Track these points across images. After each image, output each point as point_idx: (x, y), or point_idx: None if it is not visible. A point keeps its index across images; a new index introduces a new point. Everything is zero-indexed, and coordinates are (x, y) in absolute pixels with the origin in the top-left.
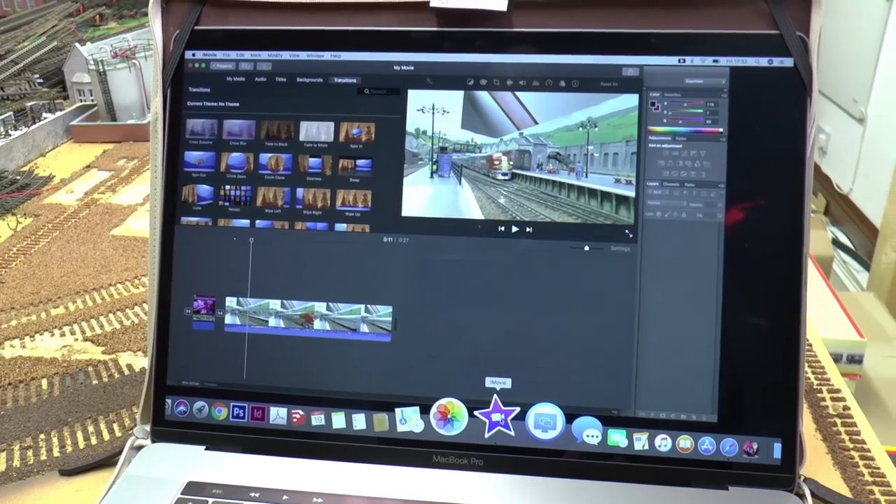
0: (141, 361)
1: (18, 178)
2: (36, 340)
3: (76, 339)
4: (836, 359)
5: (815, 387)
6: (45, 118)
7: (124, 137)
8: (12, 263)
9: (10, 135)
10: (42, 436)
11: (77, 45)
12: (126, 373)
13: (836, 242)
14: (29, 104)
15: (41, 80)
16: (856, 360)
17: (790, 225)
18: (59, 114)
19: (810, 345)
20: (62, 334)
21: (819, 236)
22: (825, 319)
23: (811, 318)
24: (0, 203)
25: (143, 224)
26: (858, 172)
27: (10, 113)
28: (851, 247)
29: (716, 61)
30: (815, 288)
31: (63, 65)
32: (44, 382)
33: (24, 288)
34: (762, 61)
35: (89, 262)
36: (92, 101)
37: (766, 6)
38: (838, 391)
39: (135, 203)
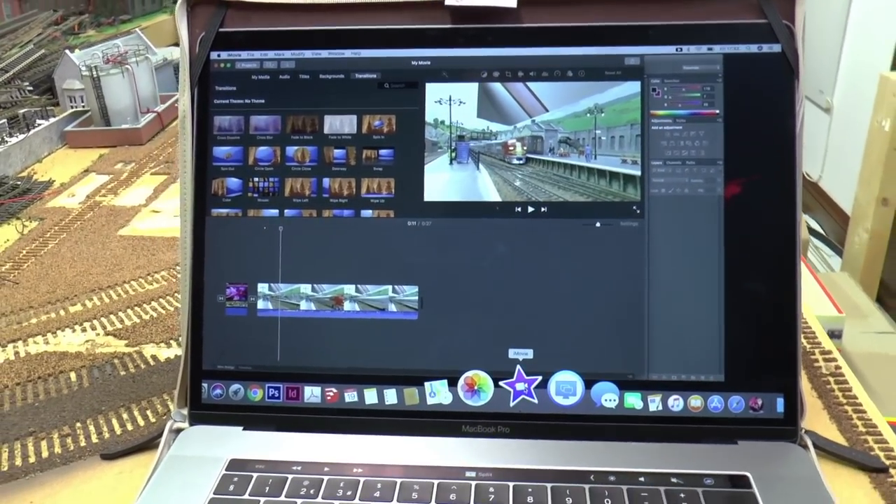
0: (165, 352)
1: (19, 183)
2: (58, 336)
3: (98, 334)
4: None
5: (807, 350)
6: (39, 124)
7: (119, 142)
8: (24, 265)
9: (6, 141)
10: (78, 424)
11: (67, 52)
12: (152, 363)
13: (809, 229)
14: (21, 111)
15: (31, 88)
16: (836, 335)
17: (784, 196)
18: (52, 120)
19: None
20: (83, 330)
21: None
22: (806, 297)
23: (815, 318)
24: (4, 208)
25: (149, 224)
26: (827, 161)
27: (4, 120)
28: (823, 233)
29: (710, 49)
30: None
31: (53, 72)
32: (72, 375)
33: (39, 288)
34: (752, 48)
35: (100, 262)
36: (83, 107)
37: None
38: (829, 352)
39: (138, 204)
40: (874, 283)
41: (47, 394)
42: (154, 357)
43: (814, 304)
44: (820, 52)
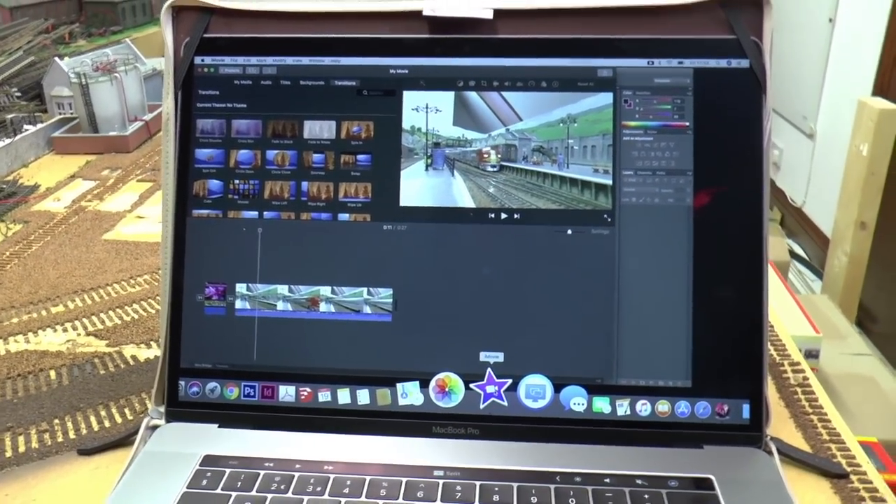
0: (145, 353)
1: (4, 186)
2: (39, 336)
3: (79, 335)
4: None
5: (777, 361)
6: (26, 130)
7: (106, 149)
8: (7, 266)
9: None
10: (56, 420)
11: (56, 59)
12: (131, 363)
13: (792, 253)
14: (9, 116)
15: (19, 94)
16: (813, 354)
17: (751, 207)
18: (40, 126)
19: (772, 326)
20: (65, 330)
21: (777, 242)
22: (784, 317)
23: (772, 312)
24: None
25: (133, 229)
26: (810, 186)
27: None
28: (806, 257)
29: (681, 63)
30: (774, 289)
31: (41, 79)
32: (52, 373)
33: (21, 288)
34: (722, 62)
35: (84, 265)
36: (71, 113)
37: (723, 14)
38: (797, 364)
39: (123, 210)
40: (853, 305)
41: (26, 391)
42: (134, 357)
43: (791, 324)
44: (803, 78)
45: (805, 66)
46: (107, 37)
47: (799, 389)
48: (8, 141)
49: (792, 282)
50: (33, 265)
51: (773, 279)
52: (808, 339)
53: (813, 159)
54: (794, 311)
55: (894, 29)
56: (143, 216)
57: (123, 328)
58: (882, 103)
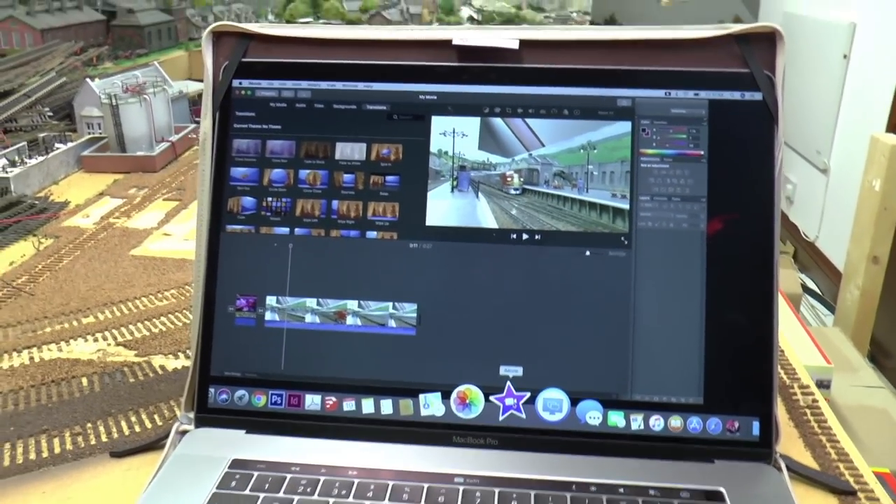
0: (173, 363)
1: (36, 202)
2: (71, 345)
3: (109, 345)
4: None
5: (787, 384)
6: (57, 148)
7: (133, 168)
8: (40, 278)
9: (26, 163)
10: (89, 424)
11: (88, 80)
12: (160, 372)
13: (805, 287)
14: (41, 135)
15: (51, 114)
16: (824, 384)
17: (763, 233)
18: (70, 145)
19: (783, 351)
20: (95, 340)
21: (789, 275)
22: (795, 348)
23: (783, 340)
24: (22, 225)
25: (160, 246)
26: (824, 220)
27: (24, 143)
28: (819, 291)
29: (696, 94)
30: (786, 320)
31: (72, 99)
32: (84, 380)
33: (53, 300)
34: (735, 95)
35: (113, 279)
36: (100, 133)
37: (738, 49)
38: (807, 387)
39: (150, 227)
40: (865, 338)
41: (60, 396)
42: (162, 367)
43: (802, 354)
44: (817, 113)
45: (819, 102)
46: (133, 59)
47: (808, 411)
48: (41, 159)
49: (804, 315)
50: (64, 278)
51: (784, 310)
52: (819, 369)
53: (826, 194)
54: (806, 342)
55: None
56: (169, 233)
57: (151, 339)
58: (894, 139)
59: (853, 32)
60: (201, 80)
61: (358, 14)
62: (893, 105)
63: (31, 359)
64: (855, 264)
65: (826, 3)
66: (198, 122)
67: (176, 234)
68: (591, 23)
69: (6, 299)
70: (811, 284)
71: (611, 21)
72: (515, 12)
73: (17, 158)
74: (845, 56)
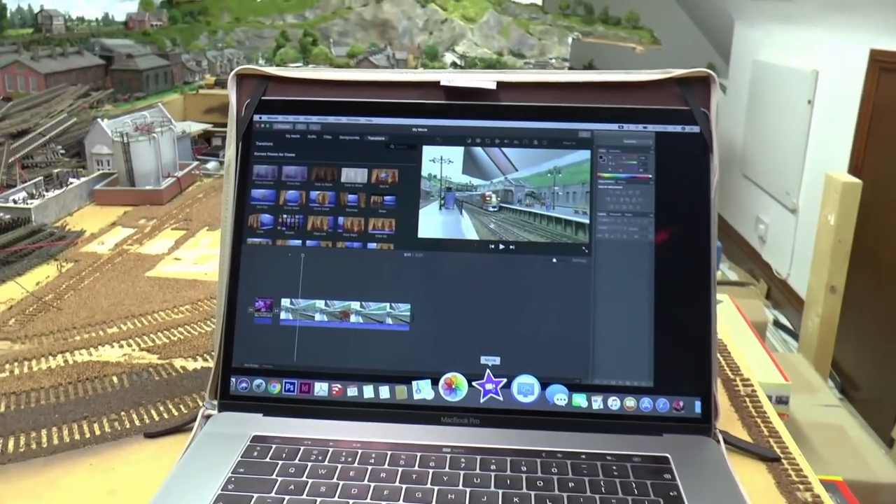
0: (192, 364)
1: (55, 231)
2: (100, 350)
3: (133, 350)
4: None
5: (731, 378)
6: (71, 183)
7: (142, 201)
8: (65, 296)
9: (44, 195)
10: (123, 412)
11: (98, 120)
12: (182, 372)
13: (777, 324)
14: (55, 171)
15: (63, 151)
16: (783, 401)
17: (701, 242)
18: (83, 179)
19: (729, 352)
20: (121, 346)
21: (755, 305)
22: (756, 368)
23: (744, 361)
24: (44, 251)
25: (172, 269)
26: (794, 258)
27: (41, 178)
28: (791, 327)
29: (645, 128)
30: (750, 343)
31: (82, 138)
32: (114, 378)
33: (79, 313)
34: (677, 128)
35: (132, 296)
36: (109, 169)
37: (679, 90)
38: (748, 380)
39: (161, 253)
40: (826, 362)
41: (95, 391)
42: (183, 367)
43: (764, 374)
44: (786, 156)
45: (787, 145)
46: (131, 102)
47: (747, 399)
48: (58, 192)
49: (774, 345)
50: (87, 295)
51: (747, 336)
52: (778, 386)
53: (796, 233)
54: (767, 362)
55: (865, 112)
56: (179, 258)
57: (172, 346)
58: (845, 177)
59: (816, 79)
60: (201, 122)
61: (346, 59)
62: (854, 147)
63: (66, 361)
64: (815, 294)
65: (791, 52)
66: (200, 160)
67: (186, 258)
68: (570, 68)
69: (37, 313)
70: (783, 320)
71: (589, 67)
72: (497, 58)
73: (34, 192)
74: (810, 101)
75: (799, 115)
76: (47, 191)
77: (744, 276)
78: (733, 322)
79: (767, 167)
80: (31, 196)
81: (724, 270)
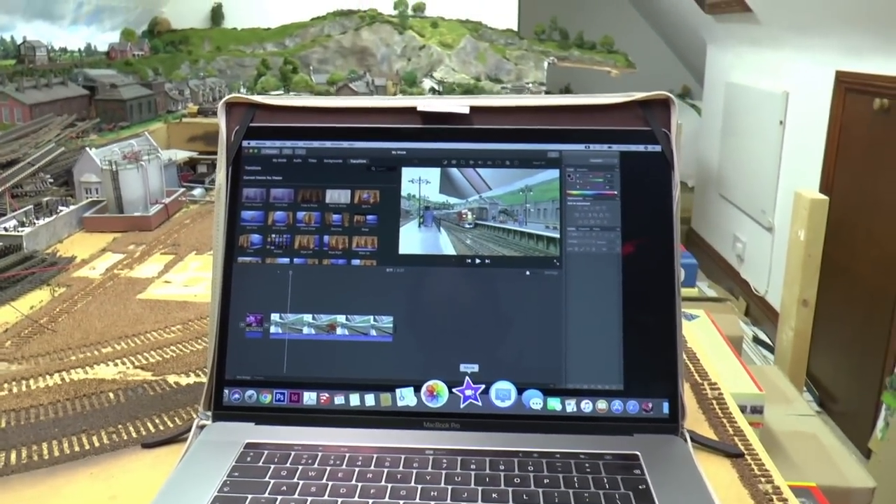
0: (185, 380)
1: (46, 257)
2: (95, 369)
3: (128, 368)
4: (742, 410)
5: (699, 382)
6: (60, 211)
7: (131, 227)
8: (59, 318)
9: (34, 223)
10: (120, 425)
11: (87, 149)
12: (175, 387)
13: (757, 340)
14: (45, 199)
15: (52, 180)
16: (757, 410)
17: (665, 253)
18: (72, 207)
19: (699, 359)
20: (115, 364)
21: (731, 320)
22: (731, 379)
23: (718, 373)
24: (37, 276)
25: (163, 291)
26: (771, 275)
27: (31, 206)
28: (770, 343)
29: (610, 147)
30: (724, 355)
31: (70, 167)
32: (111, 394)
33: (74, 335)
34: (640, 147)
35: (124, 318)
36: (97, 197)
37: (641, 112)
38: (715, 384)
39: (151, 276)
40: (801, 375)
41: (92, 406)
42: (177, 383)
43: (738, 385)
44: (760, 175)
45: (761, 165)
46: (116, 132)
47: (714, 402)
48: (48, 219)
49: (754, 362)
50: (81, 318)
51: (720, 344)
52: (752, 396)
53: (773, 251)
54: (741, 374)
55: (834, 131)
56: (169, 281)
57: (165, 363)
58: (813, 194)
59: (787, 101)
60: (185, 150)
61: (326, 86)
62: (824, 166)
63: (63, 379)
64: (788, 308)
65: (762, 74)
66: (186, 186)
67: (175, 281)
68: (547, 92)
69: (33, 335)
70: (763, 336)
71: (566, 90)
72: (475, 83)
73: (25, 220)
74: (781, 122)
75: (771, 135)
76: (37, 219)
77: (723, 294)
78: (708, 335)
79: (743, 187)
80: (22, 224)
81: (704, 289)
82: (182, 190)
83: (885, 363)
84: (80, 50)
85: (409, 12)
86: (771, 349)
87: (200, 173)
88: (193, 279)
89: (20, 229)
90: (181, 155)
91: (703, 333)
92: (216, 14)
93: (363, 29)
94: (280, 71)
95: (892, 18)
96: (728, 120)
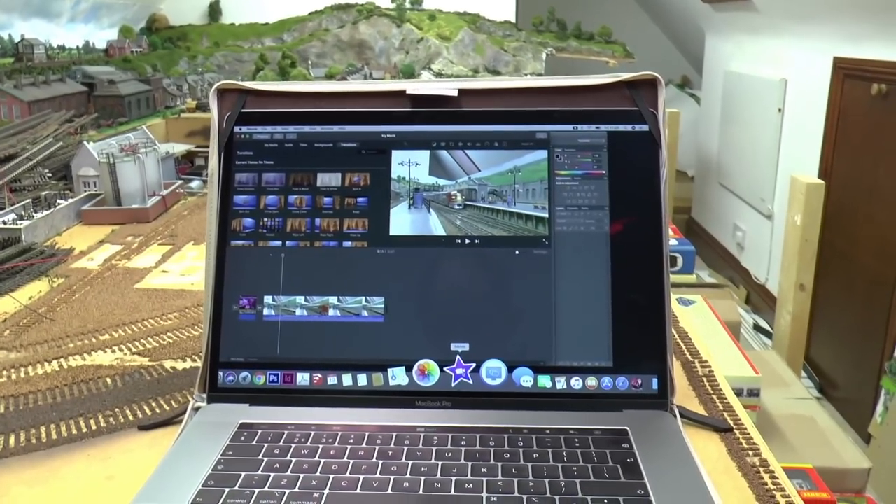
0: (182, 364)
1: (45, 249)
2: (93, 355)
3: (125, 354)
4: (738, 393)
5: (689, 360)
6: (59, 204)
7: (129, 219)
8: (57, 308)
9: (33, 216)
10: (117, 409)
11: (85, 143)
12: (172, 372)
13: (757, 327)
14: (43, 193)
15: (50, 174)
16: (754, 393)
17: (653, 231)
18: (70, 200)
19: (690, 339)
20: (113, 351)
21: (729, 305)
22: (728, 363)
23: (715, 356)
24: (35, 268)
25: (160, 280)
26: (771, 263)
27: (29, 200)
28: (770, 330)
29: (598, 128)
30: (721, 339)
31: (68, 161)
32: (108, 380)
33: (72, 323)
34: (628, 127)
35: (122, 306)
36: (95, 191)
37: (629, 92)
38: (706, 362)
39: (149, 266)
40: (799, 359)
41: (90, 391)
42: (173, 368)
43: (735, 368)
44: (759, 163)
45: (760, 152)
46: (114, 127)
47: (705, 379)
48: (46, 212)
49: (747, 340)
50: (79, 307)
51: (717, 328)
52: (748, 378)
53: (773, 238)
54: (738, 357)
55: (832, 118)
56: (167, 270)
57: (162, 349)
58: (810, 178)
59: (785, 88)
60: (182, 143)
61: (324, 80)
62: (822, 152)
63: (61, 366)
64: (785, 293)
65: (760, 62)
66: (183, 179)
67: (173, 270)
68: None
69: (31, 324)
70: (763, 324)
71: None
72: (473, 75)
73: (23, 213)
74: (780, 109)
75: (770, 122)
76: (36, 212)
77: (723, 282)
78: (705, 320)
79: (742, 175)
80: (21, 217)
81: (704, 277)
82: (179, 182)
83: (884, 348)
84: (78, 48)
85: (407, 5)
86: (771, 336)
87: (198, 166)
88: (190, 268)
89: (19, 222)
90: (179, 148)
91: (699, 318)
92: (214, 10)
93: (361, 22)
94: (278, 65)
95: (889, 4)
96: (727, 109)
